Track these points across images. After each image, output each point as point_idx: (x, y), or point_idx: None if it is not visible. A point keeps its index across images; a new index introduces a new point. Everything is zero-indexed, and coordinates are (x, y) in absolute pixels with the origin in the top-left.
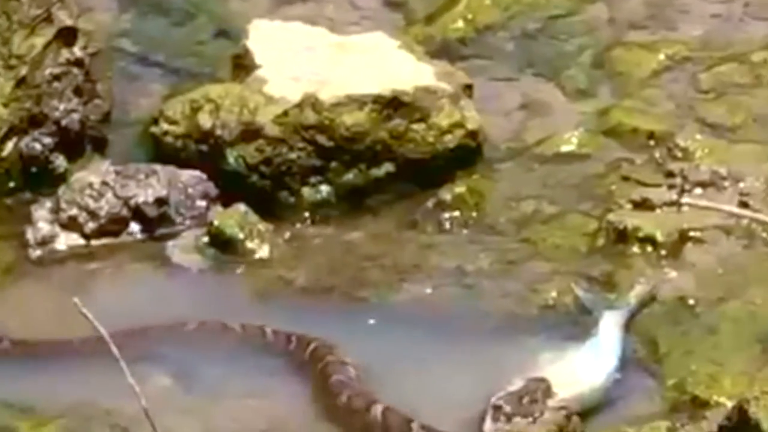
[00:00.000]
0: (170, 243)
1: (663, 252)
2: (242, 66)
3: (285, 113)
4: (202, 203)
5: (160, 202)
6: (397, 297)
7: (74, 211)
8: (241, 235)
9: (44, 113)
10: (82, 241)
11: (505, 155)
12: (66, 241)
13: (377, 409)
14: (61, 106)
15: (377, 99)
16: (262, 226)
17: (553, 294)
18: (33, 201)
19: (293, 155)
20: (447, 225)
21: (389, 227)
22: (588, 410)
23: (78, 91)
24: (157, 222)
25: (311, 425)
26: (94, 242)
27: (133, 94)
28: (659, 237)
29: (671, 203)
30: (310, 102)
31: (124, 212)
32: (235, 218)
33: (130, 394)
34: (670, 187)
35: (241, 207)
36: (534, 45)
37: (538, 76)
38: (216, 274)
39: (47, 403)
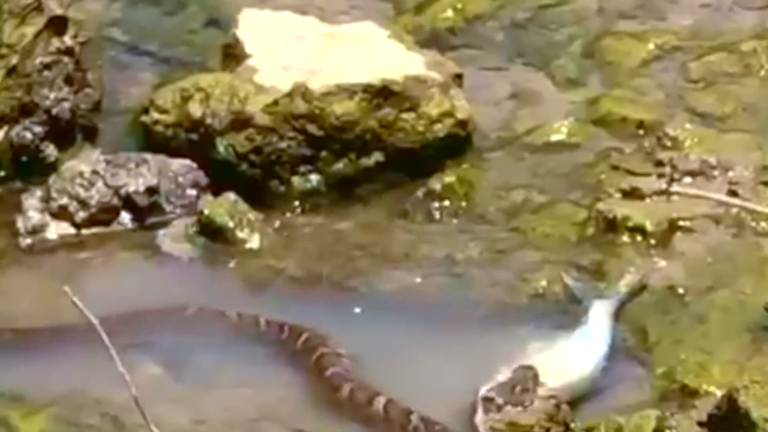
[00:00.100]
0: (161, 232)
1: (652, 241)
2: (232, 55)
3: (275, 102)
4: (193, 192)
5: (151, 191)
6: (387, 286)
7: (65, 200)
8: (231, 224)
9: (35, 102)
10: (72, 230)
11: (494, 144)
12: (56, 230)
13: (380, 402)
14: (52, 95)
15: (367, 88)
16: (252, 215)
17: (543, 283)
18: (23, 190)
19: (283, 144)
20: (437, 214)
21: (379, 216)
22: (577, 399)
23: (68, 80)
24: (147, 211)
25: (302, 415)
26: (84, 231)
27: (123, 83)
28: (648, 226)
29: (661, 192)
30: (300, 91)
31: (115, 201)
32: (225, 207)
33: (121, 382)
34: (660, 176)
35: (231, 196)
36: (524, 34)
37: (527, 66)
38: (206, 262)
39: (38, 392)
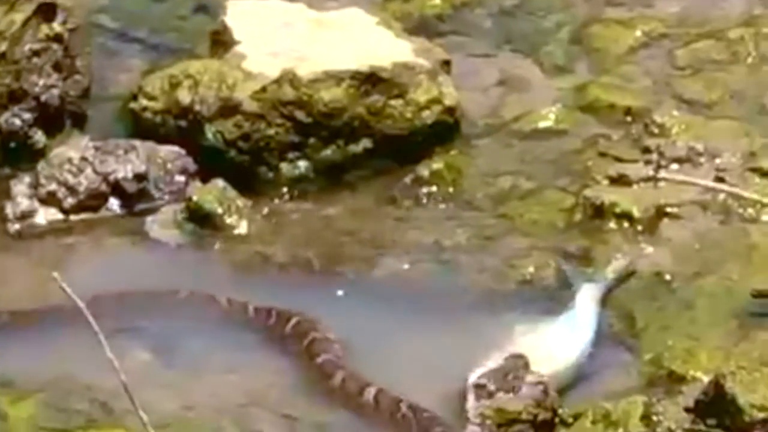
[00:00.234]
0: (149, 218)
1: (639, 227)
2: (221, 42)
3: (263, 89)
4: (181, 178)
5: (139, 177)
6: (375, 272)
7: (53, 187)
8: (219, 210)
9: (24, 89)
10: (61, 216)
11: (482, 131)
12: (45, 215)
13: (370, 393)
14: (41, 82)
15: (355, 75)
16: (240, 201)
17: (530, 269)
18: (12, 176)
19: (271, 131)
20: (424, 200)
21: (367, 203)
22: (565, 385)
23: (57, 67)
24: (136, 197)
25: (291, 400)
26: (73, 217)
27: (112, 69)
28: (636, 213)
29: (648, 179)
30: (288, 78)
31: (103, 187)
32: (213, 193)
33: (110, 368)
34: (647, 162)
35: (220, 182)
36: (511, 21)
37: (515, 53)
38: (194, 249)
39: (26, 377)
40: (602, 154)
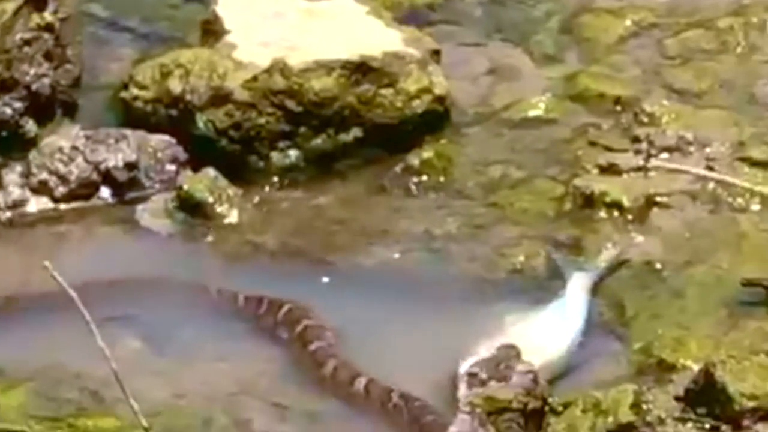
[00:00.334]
0: (140, 207)
1: (630, 217)
2: (211, 31)
3: (254, 78)
4: (172, 167)
5: (130, 166)
6: (365, 261)
7: (44, 176)
8: (210, 199)
9: (14, 78)
10: (52, 205)
11: (472, 120)
12: (36, 204)
13: (361, 382)
14: (32, 71)
15: (346, 64)
16: (231, 190)
17: (521, 258)
18: (3, 165)
19: (262, 120)
20: (415, 189)
21: (358, 192)
22: (555, 374)
23: (48, 56)
24: (126, 186)
25: (282, 388)
26: (64, 206)
27: (103, 58)
28: (626, 202)
29: (638, 168)
30: (279, 67)
31: (94, 176)
32: (204, 182)
33: (101, 356)
34: (637, 152)
35: (211, 171)
36: (502, 10)
37: (505, 42)
38: (185, 237)
39: (16, 365)
40: (592, 144)
